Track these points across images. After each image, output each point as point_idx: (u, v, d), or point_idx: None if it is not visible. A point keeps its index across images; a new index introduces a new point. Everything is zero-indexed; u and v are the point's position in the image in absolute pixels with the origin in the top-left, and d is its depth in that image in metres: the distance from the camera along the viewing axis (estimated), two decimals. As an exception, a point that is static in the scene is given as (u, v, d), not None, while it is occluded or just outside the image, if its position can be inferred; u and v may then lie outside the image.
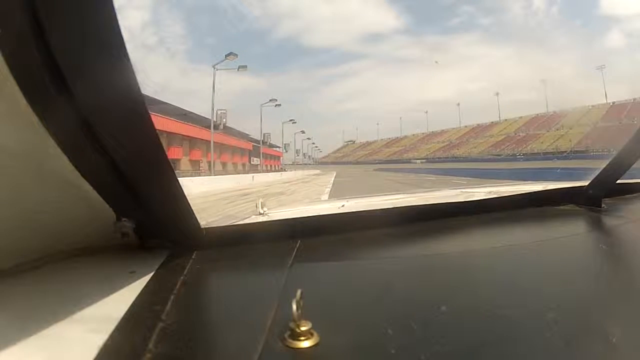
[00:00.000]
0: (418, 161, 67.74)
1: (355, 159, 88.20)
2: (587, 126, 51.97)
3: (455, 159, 61.97)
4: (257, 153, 44.71)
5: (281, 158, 60.33)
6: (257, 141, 44.34)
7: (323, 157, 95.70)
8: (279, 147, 57.27)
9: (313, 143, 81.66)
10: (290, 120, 53.80)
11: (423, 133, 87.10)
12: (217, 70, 29.24)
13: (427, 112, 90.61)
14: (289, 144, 60.48)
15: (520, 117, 67.62)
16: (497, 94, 74.90)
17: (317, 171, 45.83)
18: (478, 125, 75.44)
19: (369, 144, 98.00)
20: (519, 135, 61.60)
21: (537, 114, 65.44)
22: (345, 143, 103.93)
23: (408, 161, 70.55)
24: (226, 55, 30.45)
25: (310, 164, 76.53)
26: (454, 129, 79.97)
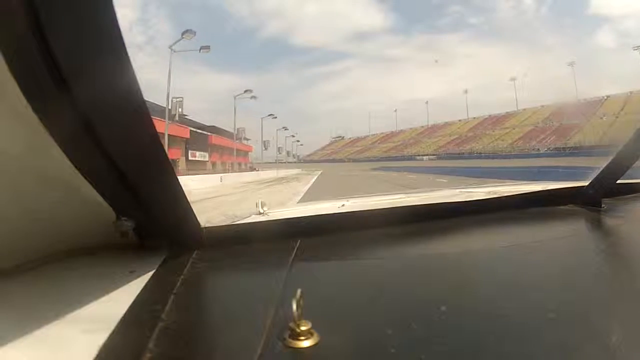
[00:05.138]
0: (425, 158, 58.30)
1: (345, 156, 78.59)
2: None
3: (477, 156, 50.44)
4: (203, 145, 30.71)
5: (250, 153, 48.65)
6: (206, 128, 32.60)
7: (309, 155, 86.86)
8: (248, 139, 45.71)
9: (297, 140, 72.19)
10: (270, 115, 45.26)
11: (422, 127, 77.63)
12: (174, 52, 24.15)
13: (427, 102, 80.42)
14: (269, 141, 50.58)
15: (543, 106, 58.60)
16: (514, 79, 65.49)
17: (296, 171, 35.38)
18: (490, 116, 66.66)
19: (359, 139, 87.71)
20: (552, 125, 51.43)
21: (564, 103, 55.02)
22: (334, 139, 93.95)
23: (411, 158, 60.82)
24: (182, 34, 25.47)
25: (293, 162, 68.40)
26: (460, 121, 71.19)
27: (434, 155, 60.05)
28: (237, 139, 34.50)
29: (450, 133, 68.47)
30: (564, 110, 53.49)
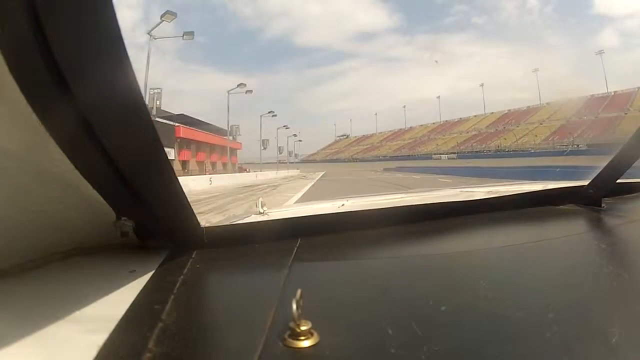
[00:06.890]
0: (444, 156, 51.22)
1: (351, 155, 72.74)
2: None
3: (511, 153, 41.80)
4: (168, 138, 23.10)
5: (238, 151, 41.58)
6: (174, 117, 25.83)
7: (312, 154, 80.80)
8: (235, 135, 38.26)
9: (295, 135, 61.81)
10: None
11: (434, 123, 70.27)
12: (155, 39, 20.91)
13: (439, 97, 72.27)
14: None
15: (570, 99, 49.24)
16: (536, 70, 56.88)
17: (291, 172, 29.81)
18: (509, 111, 58.97)
19: (366, 137, 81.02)
20: (587, 119, 43.37)
21: (593, 95, 47.31)
22: (338, 138, 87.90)
23: (428, 157, 53.47)
24: (162, 16, 21.75)
25: (296, 162, 63.25)
26: (475, 116, 63.62)
27: (453, 153, 52.62)
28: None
29: (467, 129, 61.84)
30: (595, 103, 46.40)
